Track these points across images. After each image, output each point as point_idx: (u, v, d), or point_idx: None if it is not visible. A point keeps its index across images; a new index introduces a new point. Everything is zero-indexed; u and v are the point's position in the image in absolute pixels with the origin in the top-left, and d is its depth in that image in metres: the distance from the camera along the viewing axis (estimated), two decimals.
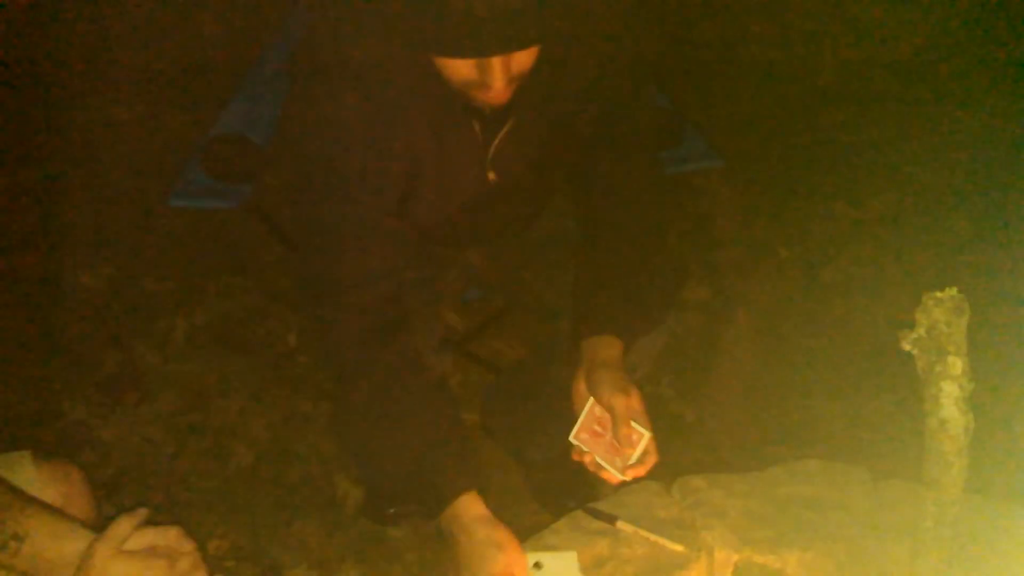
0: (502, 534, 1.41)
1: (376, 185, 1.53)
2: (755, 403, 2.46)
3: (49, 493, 1.30)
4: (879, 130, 3.49)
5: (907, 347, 0.97)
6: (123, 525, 1.16)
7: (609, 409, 1.47)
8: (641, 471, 1.48)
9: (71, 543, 1.15)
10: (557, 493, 2.14)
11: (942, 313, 0.95)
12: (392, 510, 2.16)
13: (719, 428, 2.40)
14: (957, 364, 0.93)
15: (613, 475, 1.49)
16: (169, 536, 1.19)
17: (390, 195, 1.56)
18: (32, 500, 1.21)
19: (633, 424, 1.46)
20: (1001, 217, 2.98)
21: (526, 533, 1.45)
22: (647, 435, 1.46)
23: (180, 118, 3.30)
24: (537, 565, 1.40)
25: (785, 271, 2.94)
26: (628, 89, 1.67)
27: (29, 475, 1.30)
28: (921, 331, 0.96)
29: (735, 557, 1.42)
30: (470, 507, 1.44)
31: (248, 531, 2.12)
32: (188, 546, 1.20)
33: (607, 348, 1.53)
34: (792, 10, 4.05)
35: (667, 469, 1.55)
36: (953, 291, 0.97)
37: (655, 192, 1.70)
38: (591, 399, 1.50)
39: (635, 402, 1.47)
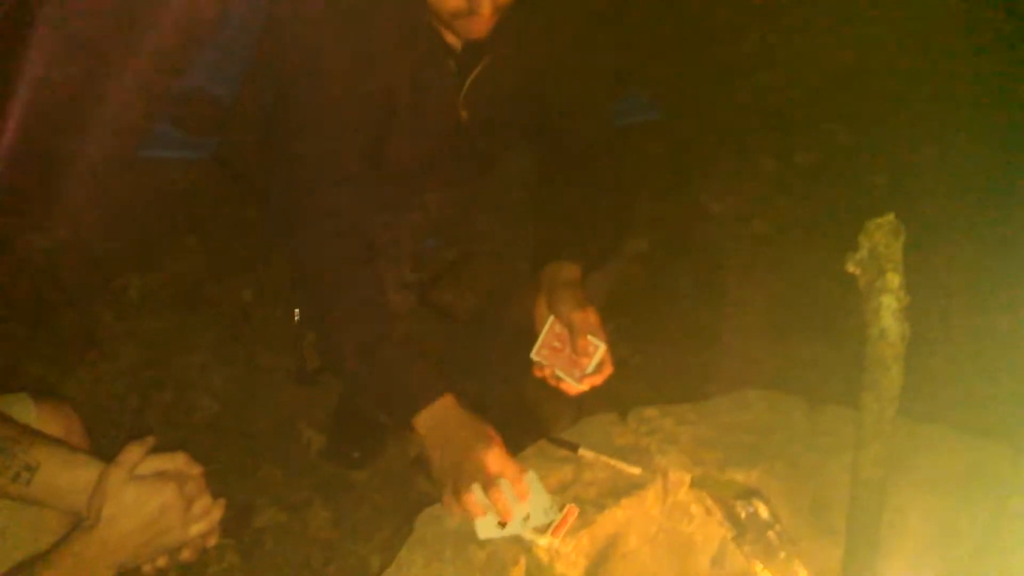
0: (487, 428, 1.52)
1: (351, 119, 1.60)
2: (695, 346, 2.58)
3: (50, 428, 1.34)
4: (801, 91, 3.63)
5: (851, 268, 1.08)
6: (133, 452, 1.22)
7: (568, 324, 1.58)
8: (598, 379, 1.60)
9: (81, 471, 1.21)
10: (514, 431, 2.22)
11: (881, 236, 1.06)
12: (356, 453, 2.25)
13: (663, 369, 2.52)
14: (895, 279, 1.04)
15: (571, 385, 1.61)
16: (177, 461, 1.25)
17: (365, 132, 1.63)
18: (38, 433, 1.25)
19: (589, 337, 1.57)
20: (916, 168, 3.16)
21: None
22: (602, 347, 1.58)
23: (132, 77, 3.28)
24: None
25: (718, 224, 3.07)
26: (595, 38, 1.78)
27: (30, 412, 1.35)
28: (863, 252, 1.07)
29: (688, 477, 1.53)
30: (451, 408, 1.54)
31: (216, 478, 2.11)
32: (195, 469, 1.26)
33: (566, 271, 1.64)
34: None
35: (619, 405, 1.66)
36: (890, 216, 1.08)
37: (608, 132, 1.82)
38: (551, 318, 1.61)
39: (591, 316, 1.58)
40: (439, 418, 1.53)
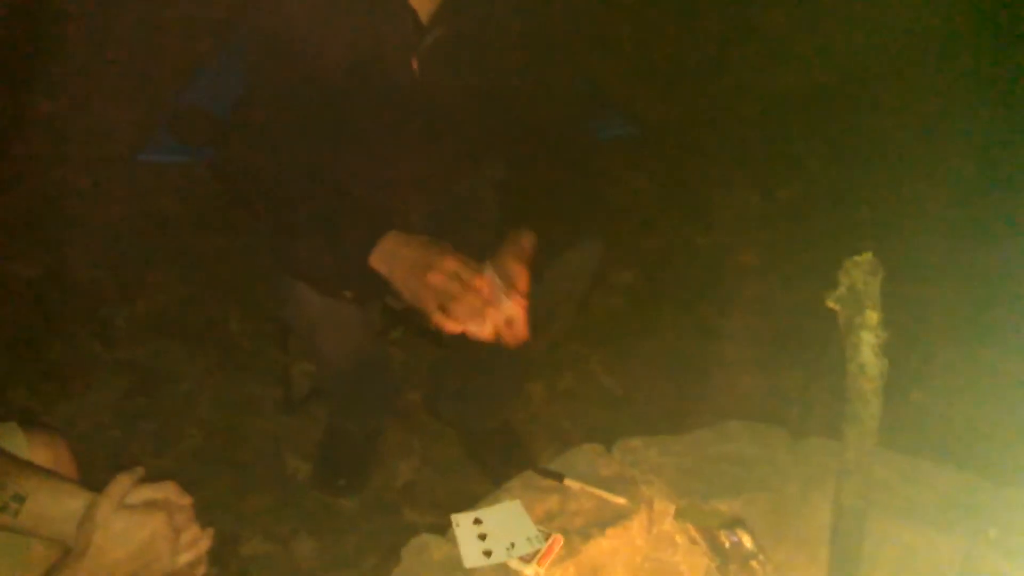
0: (440, 243, 1.56)
1: (310, 60, 1.65)
2: (679, 377, 2.60)
3: (39, 458, 1.35)
4: (783, 125, 3.68)
5: (831, 304, 1.12)
6: (122, 482, 1.22)
7: (498, 271, 1.58)
8: (507, 335, 1.57)
9: (71, 501, 1.21)
10: (498, 461, 2.26)
11: (860, 274, 1.09)
12: (343, 481, 2.25)
13: (646, 400, 2.54)
14: (873, 316, 1.08)
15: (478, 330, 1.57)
16: (167, 490, 1.26)
17: (322, 77, 1.67)
18: (28, 463, 1.26)
19: (509, 291, 1.56)
20: (897, 203, 3.21)
21: (471, 501, 1.53)
22: (514, 303, 1.56)
23: (116, 108, 3.31)
24: (477, 521, 1.48)
25: (702, 256, 3.10)
26: (566, 24, 1.81)
27: (19, 441, 1.35)
28: (843, 289, 1.10)
29: (673, 507, 1.54)
30: (401, 237, 1.58)
31: (202, 506, 2.12)
32: (185, 499, 1.27)
33: (521, 237, 1.64)
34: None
35: (603, 436, 1.67)
36: (868, 255, 1.11)
37: (569, 112, 1.85)
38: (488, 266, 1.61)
39: (520, 272, 1.58)
40: (392, 249, 1.56)
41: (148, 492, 1.24)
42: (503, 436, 2.32)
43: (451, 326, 1.53)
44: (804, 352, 2.56)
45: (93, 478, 2.18)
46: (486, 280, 1.54)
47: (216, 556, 2.05)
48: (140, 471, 1.26)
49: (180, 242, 2.94)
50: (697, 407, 2.45)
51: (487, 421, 2.30)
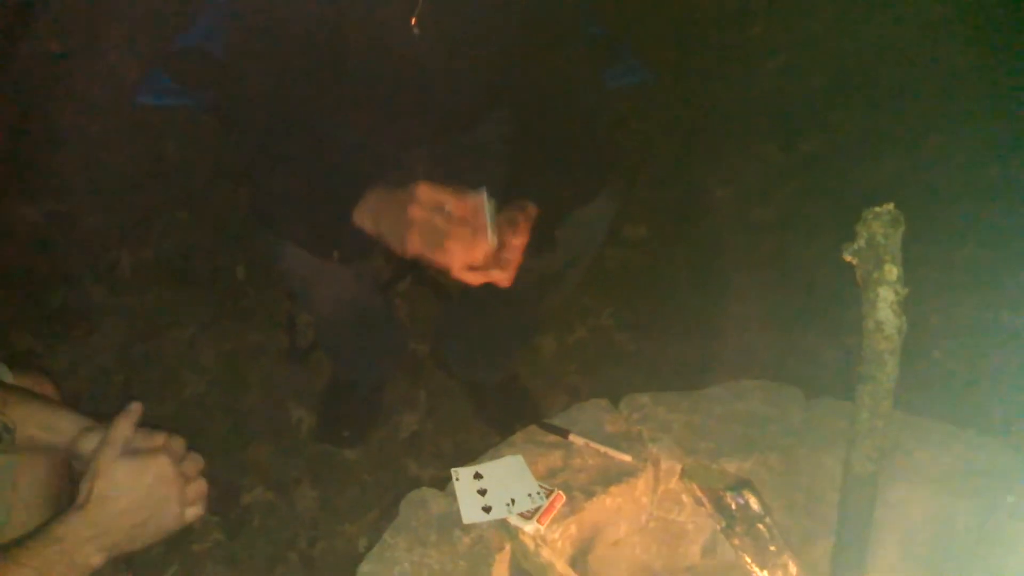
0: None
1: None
2: (692, 334, 2.55)
3: None
4: (806, 79, 3.56)
5: (848, 257, 1.05)
6: (122, 427, 1.17)
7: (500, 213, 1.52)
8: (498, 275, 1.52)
9: (61, 426, 1.20)
10: (505, 415, 2.23)
11: (880, 225, 1.03)
12: (346, 432, 2.23)
13: (658, 357, 2.49)
14: (893, 271, 1.01)
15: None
16: (160, 438, 1.21)
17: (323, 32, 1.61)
18: (14, 389, 1.24)
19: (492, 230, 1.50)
20: (921, 158, 3.12)
21: (476, 455, 1.50)
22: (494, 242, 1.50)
23: (124, 50, 3.25)
24: (478, 476, 1.44)
25: (719, 210, 3.02)
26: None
27: (7, 380, 1.32)
28: (861, 242, 1.04)
29: (679, 466, 1.50)
30: (380, 190, 1.53)
31: (203, 456, 2.13)
32: (178, 442, 1.22)
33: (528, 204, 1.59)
34: None
35: (612, 392, 1.63)
36: (890, 205, 1.05)
37: (579, 76, 1.76)
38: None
39: (517, 221, 1.52)
40: (374, 203, 1.52)
41: (147, 438, 1.19)
42: (510, 389, 2.29)
43: (447, 262, 1.46)
44: (821, 309, 2.50)
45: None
46: (472, 204, 1.46)
47: (216, 503, 2.06)
48: (138, 410, 1.20)
49: (189, 188, 2.89)
50: (709, 364, 2.40)
51: (494, 374, 2.27)
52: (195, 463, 1.24)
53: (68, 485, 1.42)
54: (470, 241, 1.45)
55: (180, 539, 1.98)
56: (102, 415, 2.20)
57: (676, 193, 3.08)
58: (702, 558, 1.60)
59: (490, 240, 1.48)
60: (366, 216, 1.52)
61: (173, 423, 2.21)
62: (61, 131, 2.97)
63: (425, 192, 1.45)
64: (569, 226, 1.70)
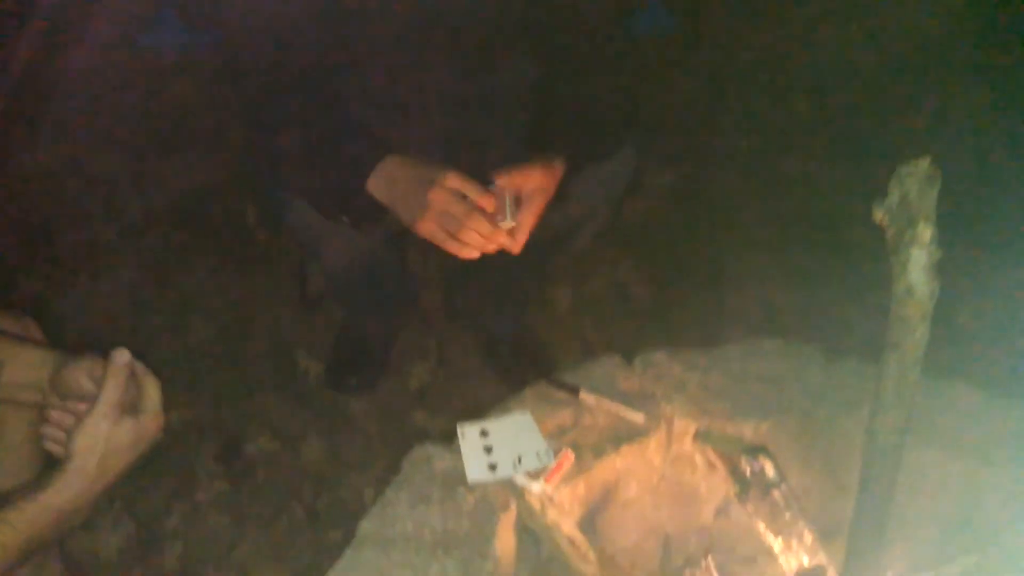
0: (443, 164, 1.46)
1: None
2: (712, 289, 2.48)
3: None
4: (838, 28, 3.46)
5: (879, 216, 0.98)
6: (113, 390, 1.13)
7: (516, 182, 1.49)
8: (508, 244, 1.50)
9: (41, 362, 1.18)
10: (517, 368, 2.18)
11: (914, 182, 0.95)
12: (354, 381, 2.19)
13: (677, 311, 2.42)
14: (927, 232, 0.94)
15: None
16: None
17: None
18: None
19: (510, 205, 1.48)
20: (955, 112, 3.01)
21: (485, 409, 1.46)
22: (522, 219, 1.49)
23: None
24: (484, 432, 1.41)
25: (746, 162, 2.93)
26: None
27: None
28: (893, 200, 0.96)
29: (693, 427, 1.44)
30: (399, 160, 1.48)
31: (208, 404, 2.13)
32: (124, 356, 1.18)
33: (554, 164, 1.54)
34: None
35: (628, 347, 1.58)
36: (926, 161, 0.97)
37: (613, 25, 1.71)
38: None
39: (535, 191, 1.48)
40: (390, 172, 1.47)
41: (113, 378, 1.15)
42: (523, 342, 2.25)
43: (458, 252, 1.46)
44: (846, 266, 2.43)
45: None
46: (493, 198, 1.44)
47: (220, 453, 2.03)
48: (125, 363, 1.16)
49: (201, 131, 2.83)
50: (728, 320, 2.35)
51: (507, 326, 2.22)
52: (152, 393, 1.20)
53: None
54: (486, 236, 1.44)
55: (183, 487, 1.95)
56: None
57: (701, 143, 2.99)
58: (716, 519, 1.55)
59: (506, 227, 1.46)
60: (381, 184, 1.47)
61: (179, 370, 2.21)
62: (70, 72, 2.91)
63: (453, 180, 1.42)
64: (589, 179, 1.65)
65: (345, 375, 2.20)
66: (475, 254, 1.47)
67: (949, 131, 2.91)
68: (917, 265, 0.95)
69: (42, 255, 2.46)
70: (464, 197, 1.43)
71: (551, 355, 2.24)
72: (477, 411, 1.45)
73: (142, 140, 2.80)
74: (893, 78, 3.23)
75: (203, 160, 2.76)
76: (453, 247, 1.45)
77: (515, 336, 2.23)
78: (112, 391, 1.13)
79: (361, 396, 2.18)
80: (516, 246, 1.50)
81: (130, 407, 1.15)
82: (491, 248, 1.48)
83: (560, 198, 1.56)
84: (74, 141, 2.76)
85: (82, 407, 1.14)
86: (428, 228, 1.44)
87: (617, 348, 1.57)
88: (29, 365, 1.19)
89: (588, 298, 2.46)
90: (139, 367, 1.19)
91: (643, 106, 2.17)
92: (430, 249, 2.40)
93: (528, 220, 1.50)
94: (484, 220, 1.44)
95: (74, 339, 2.22)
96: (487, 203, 1.43)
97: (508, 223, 1.49)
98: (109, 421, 1.12)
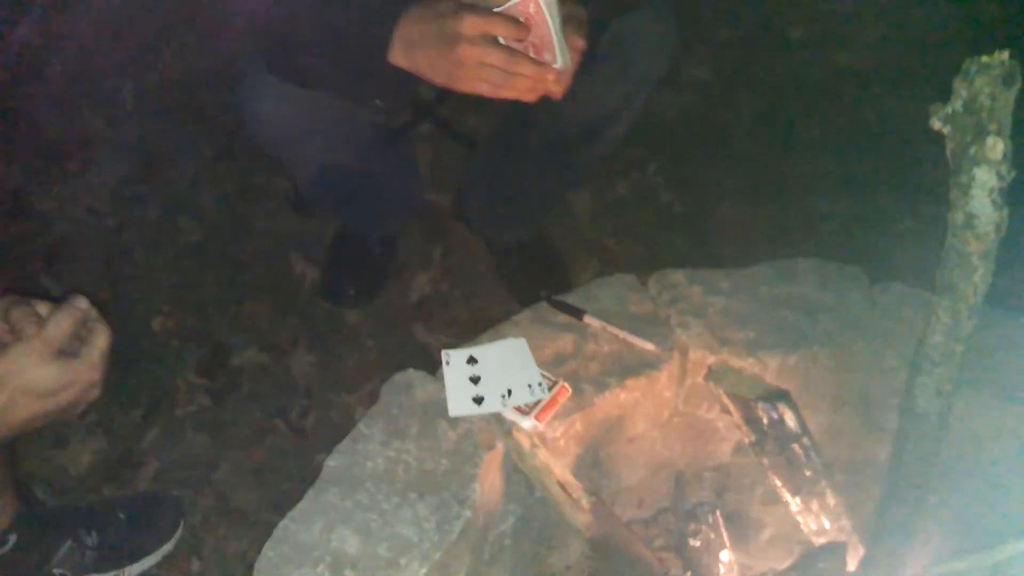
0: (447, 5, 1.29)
1: None
2: (750, 196, 2.29)
3: None
4: None
5: (937, 124, 0.78)
6: (62, 325, 1.05)
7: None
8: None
9: None
10: (529, 282, 2.04)
11: (986, 82, 0.75)
12: (352, 291, 2.06)
13: (709, 221, 2.24)
14: (998, 146, 0.74)
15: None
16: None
17: None
18: None
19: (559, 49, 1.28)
20: None
21: (494, 323, 1.33)
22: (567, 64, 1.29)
23: None
24: (472, 360, 1.28)
25: (795, 52, 2.70)
26: None
27: None
28: (957, 104, 0.76)
29: (710, 359, 1.29)
30: (409, 17, 1.31)
31: (195, 310, 2.01)
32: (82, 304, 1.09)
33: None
34: None
35: (648, 261, 1.40)
36: (1003, 55, 0.76)
37: None
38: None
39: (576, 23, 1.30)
40: (407, 36, 1.30)
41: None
42: (537, 251, 2.09)
43: (516, 96, 1.28)
44: (904, 178, 2.22)
45: (79, 269, 2.05)
46: (534, 20, 1.23)
47: (204, 363, 1.91)
48: (83, 305, 1.08)
49: (198, 11, 2.63)
50: (762, 233, 2.16)
51: (520, 232, 2.06)
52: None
53: None
54: (537, 75, 1.24)
55: (161, 402, 1.84)
56: (89, 260, 2.07)
57: (744, 31, 2.75)
58: (733, 456, 1.42)
59: (560, 61, 1.25)
60: (401, 55, 1.30)
61: (165, 273, 2.09)
62: None
63: (473, 26, 1.22)
64: (617, 58, 1.47)
65: (342, 284, 2.06)
66: (533, 96, 1.29)
67: None
68: (982, 188, 0.76)
69: (26, 144, 2.31)
70: (495, 39, 1.24)
71: (567, 266, 2.08)
72: (483, 326, 1.32)
73: (137, 20, 2.59)
74: None
75: (202, 42, 2.56)
76: (510, 94, 1.28)
77: (528, 244, 2.07)
78: (53, 328, 1.05)
79: (358, 309, 2.04)
80: (561, 89, 1.30)
81: (69, 355, 1.06)
82: (552, 89, 1.29)
83: (592, 57, 1.34)
84: (63, 16, 2.59)
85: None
86: (470, 88, 1.27)
87: (638, 258, 1.39)
88: None
89: (611, 203, 2.27)
90: (94, 315, 1.10)
91: None
92: (440, 144, 2.27)
93: (576, 46, 1.29)
94: (526, 61, 1.24)
95: (56, 240, 2.10)
96: (517, 32, 1.23)
97: (561, 57, 1.27)
98: (35, 357, 1.03)
